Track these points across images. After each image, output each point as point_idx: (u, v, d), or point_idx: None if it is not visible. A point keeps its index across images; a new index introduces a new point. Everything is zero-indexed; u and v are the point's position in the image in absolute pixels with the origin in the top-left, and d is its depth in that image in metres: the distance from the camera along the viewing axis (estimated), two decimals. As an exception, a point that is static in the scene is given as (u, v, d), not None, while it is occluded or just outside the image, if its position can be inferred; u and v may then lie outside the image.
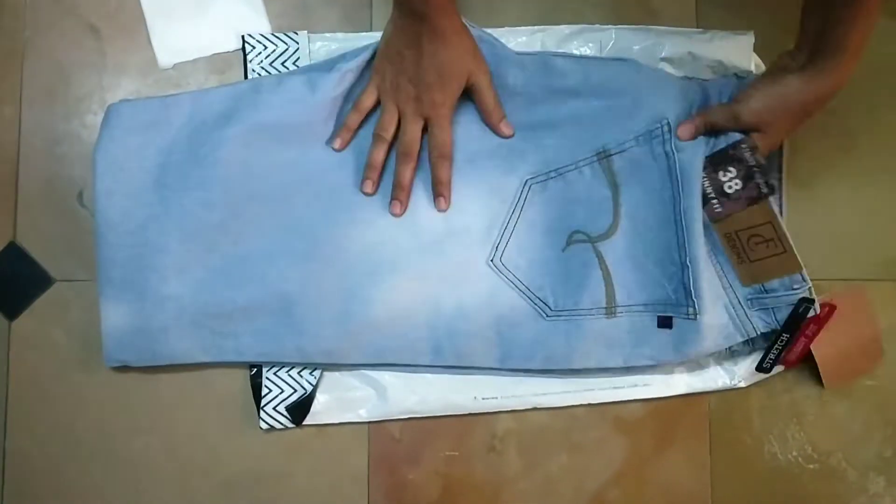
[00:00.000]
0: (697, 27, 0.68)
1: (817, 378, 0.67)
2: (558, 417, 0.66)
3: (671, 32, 0.67)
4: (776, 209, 0.60)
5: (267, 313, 0.63)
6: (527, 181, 0.64)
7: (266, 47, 0.66)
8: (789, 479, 0.67)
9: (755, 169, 0.58)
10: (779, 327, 0.62)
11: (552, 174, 0.64)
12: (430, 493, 0.66)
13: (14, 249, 0.66)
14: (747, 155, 0.58)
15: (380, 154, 0.62)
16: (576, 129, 0.63)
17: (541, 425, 0.67)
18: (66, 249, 0.65)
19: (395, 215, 0.63)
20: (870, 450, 0.68)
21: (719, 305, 0.62)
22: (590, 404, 0.66)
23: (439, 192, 0.63)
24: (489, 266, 0.64)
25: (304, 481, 0.66)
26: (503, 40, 0.64)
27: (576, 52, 0.67)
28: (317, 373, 0.64)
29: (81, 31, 0.67)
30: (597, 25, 0.68)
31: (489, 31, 0.65)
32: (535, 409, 0.66)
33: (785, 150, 0.66)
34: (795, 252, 0.60)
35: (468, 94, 0.62)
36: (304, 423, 0.64)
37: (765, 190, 0.59)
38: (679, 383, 0.66)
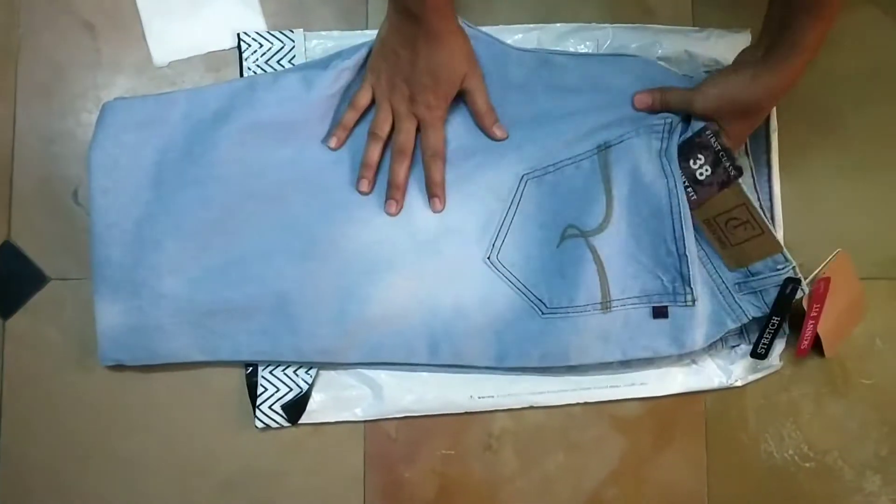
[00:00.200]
0: (694, 26, 0.68)
1: (814, 377, 0.68)
2: (555, 416, 0.66)
3: (668, 31, 0.67)
4: (750, 192, 0.61)
5: (263, 312, 0.62)
6: (523, 176, 0.64)
7: (262, 45, 0.66)
8: (785, 477, 0.67)
9: (721, 153, 0.59)
10: (768, 310, 0.62)
11: (549, 168, 0.64)
12: (427, 492, 0.66)
13: (9, 248, 0.65)
14: (712, 141, 0.59)
15: (375, 152, 0.62)
16: (577, 123, 0.63)
17: (537, 424, 0.66)
18: (61, 248, 0.65)
19: (390, 215, 0.63)
20: (866, 448, 0.68)
21: (706, 292, 0.62)
22: (586, 403, 0.66)
23: (434, 193, 0.63)
24: (486, 264, 0.64)
25: (300, 480, 0.65)
26: (499, 38, 0.64)
27: (572, 50, 0.67)
28: (312, 372, 0.64)
29: (76, 29, 0.67)
30: (593, 24, 0.68)
31: (486, 29, 0.65)
32: (531, 407, 0.66)
33: (776, 147, 0.66)
34: (773, 232, 0.61)
35: (461, 97, 0.62)
36: (300, 422, 0.64)
37: (733, 173, 0.59)
38: (676, 382, 0.66)
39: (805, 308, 0.62)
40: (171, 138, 0.63)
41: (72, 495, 0.65)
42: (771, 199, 0.66)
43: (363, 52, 0.62)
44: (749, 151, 0.65)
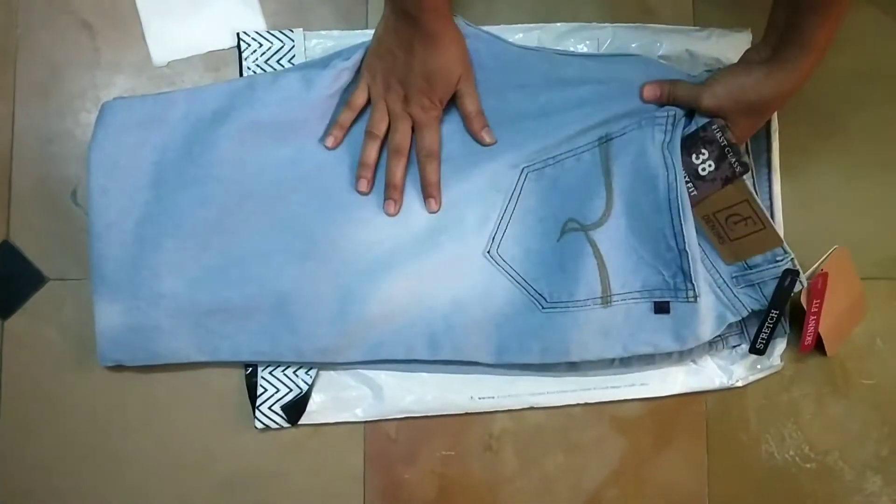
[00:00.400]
0: (694, 25, 0.68)
1: (815, 377, 0.67)
2: (555, 417, 0.66)
3: (668, 30, 0.67)
4: (751, 187, 0.60)
5: (263, 312, 0.62)
6: (523, 169, 0.64)
7: (261, 45, 0.66)
8: (786, 478, 0.67)
9: (727, 149, 0.58)
10: (767, 303, 0.62)
11: (550, 161, 0.64)
12: (427, 492, 0.66)
13: (7, 248, 0.65)
14: (718, 135, 0.58)
15: (372, 152, 0.62)
16: (578, 116, 0.63)
17: (537, 425, 0.66)
18: (60, 248, 0.65)
19: (389, 215, 0.63)
20: (867, 449, 0.68)
21: (705, 286, 0.62)
22: (587, 404, 0.66)
23: (429, 194, 0.63)
24: (485, 258, 0.64)
25: (300, 481, 0.65)
26: (501, 36, 0.64)
27: (572, 49, 0.67)
28: (312, 372, 0.64)
29: (75, 29, 0.67)
30: (594, 24, 0.68)
31: (486, 28, 0.65)
32: (531, 408, 0.66)
33: (777, 147, 0.66)
34: (774, 227, 0.60)
35: (453, 98, 0.62)
36: (300, 422, 0.64)
37: (738, 169, 0.59)
38: (676, 383, 0.66)
39: (804, 305, 0.62)
40: (171, 138, 0.63)
41: (70, 495, 0.65)
42: (771, 200, 0.66)
43: (363, 52, 0.62)
44: (750, 151, 0.65)
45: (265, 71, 0.65)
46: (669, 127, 0.61)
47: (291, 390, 0.64)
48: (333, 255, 0.62)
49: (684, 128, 0.61)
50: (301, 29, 0.66)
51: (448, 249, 0.63)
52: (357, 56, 0.62)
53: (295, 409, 0.64)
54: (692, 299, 0.61)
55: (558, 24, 0.67)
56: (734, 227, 0.61)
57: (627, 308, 0.62)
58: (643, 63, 0.64)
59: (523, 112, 0.64)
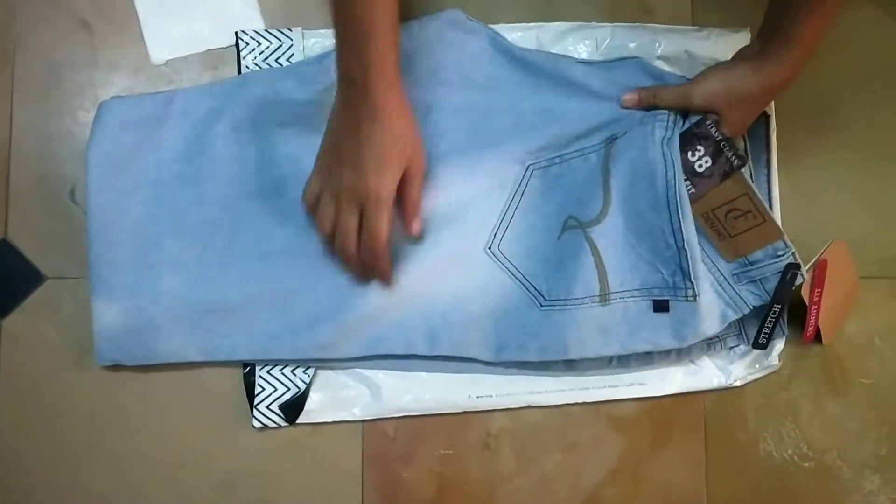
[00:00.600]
0: (693, 25, 0.68)
1: (813, 376, 0.67)
2: (553, 416, 0.66)
3: (667, 30, 0.67)
4: (749, 180, 0.60)
5: (262, 310, 0.62)
6: (529, 166, 0.64)
7: (260, 44, 0.66)
8: (784, 477, 0.67)
9: (723, 143, 0.58)
10: (769, 298, 0.61)
11: (556, 160, 0.64)
12: (425, 491, 0.66)
13: (5, 246, 0.65)
14: (713, 130, 0.58)
15: (346, 253, 0.58)
16: (585, 117, 0.63)
17: (535, 423, 0.66)
18: (58, 246, 0.65)
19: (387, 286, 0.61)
20: (865, 448, 0.68)
21: (706, 284, 0.61)
22: (585, 403, 0.66)
23: (374, 274, 0.60)
24: (486, 253, 0.63)
25: (298, 480, 0.65)
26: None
27: (571, 48, 0.67)
28: (310, 371, 0.64)
29: (73, 27, 0.67)
30: (593, 23, 0.68)
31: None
32: (529, 407, 0.66)
33: (776, 146, 0.66)
34: (774, 220, 0.60)
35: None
36: (298, 421, 0.64)
37: (736, 162, 0.59)
38: (674, 382, 0.66)
39: (804, 297, 0.62)
40: (169, 137, 0.63)
41: (68, 495, 0.64)
42: (770, 198, 0.66)
43: None
44: (748, 149, 0.65)
45: (263, 69, 0.65)
46: (671, 124, 0.61)
47: (289, 389, 0.64)
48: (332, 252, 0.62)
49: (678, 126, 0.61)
50: (300, 28, 0.66)
51: (449, 244, 0.63)
52: None
53: (293, 408, 0.64)
54: (691, 298, 0.60)
55: (557, 24, 0.67)
56: (734, 223, 0.61)
57: (626, 306, 0.62)
58: (644, 67, 0.64)
59: (526, 109, 0.64)
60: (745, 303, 0.62)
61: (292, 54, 0.65)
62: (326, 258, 0.62)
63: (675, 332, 0.62)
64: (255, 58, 0.66)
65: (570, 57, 0.66)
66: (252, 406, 0.64)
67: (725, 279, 0.63)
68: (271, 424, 0.64)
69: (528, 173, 0.64)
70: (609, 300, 0.62)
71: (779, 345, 0.65)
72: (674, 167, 0.60)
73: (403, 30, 0.63)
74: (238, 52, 0.66)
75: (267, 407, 0.64)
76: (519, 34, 0.66)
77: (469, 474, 0.66)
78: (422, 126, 0.62)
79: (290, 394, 0.64)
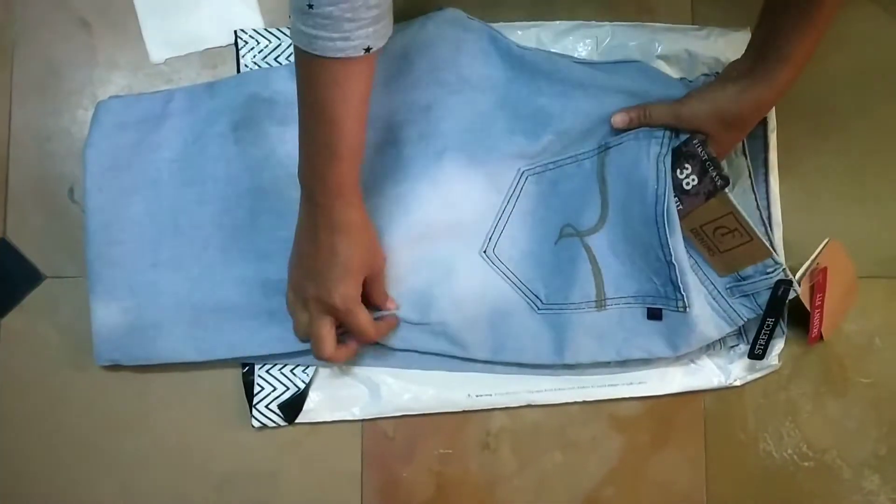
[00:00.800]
0: (693, 24, 0.68)
1: (813, 376, 0.67)
2: (553, 415, 0.66)
3: (667, 29, 0.67)
4: (738, 200, 0.60)
5: (261, 310, 0.62)
6: (523, 172, 0.64)
7: (259, 42, 0.66)
8: (784, 476, 0.67)
9: (708, 163, 0.59)
10: (762, 311, 0.62)
11: (550, 166, 0.64)
12: (424, 490, 0.66)
13: (4, 245, 0.65)
14: (699, 150, 0.58)
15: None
16: (580, 122, 0.63)
17: (535, 423, 0.66)
18: (57, 246, 0.65)
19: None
20: (865, 447, 0.67)
21: (700, 298, 0.62)
22: (584, 402, 0.66)
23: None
24: (482, 257, 0.63)
25: (297, 480, 0.65)
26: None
27: (571, 47, 0.67)
28: (310, 370, 0.64)
29: (72, 26, 0.66)
30: (593, 22, 0.67)
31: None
32: (529, 406, 0.66)
33: (775, 147, 0.66)
34: (762, 238, 0.60)
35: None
36: (297, 421, 0.64)
37: (719, 182, 0.59)
38: (674, 382, 0.66)
39: (804, 302, 0.62)
40: (167, 136, 0.63)
41: (67, 495, 0.64)
42: (769, 199, 0.66)
43: None
44: (747, 151, 0.65)
45: (262, 68, 0.65)
46: (666, 140, 0.61)
47: (288, 389, 0.64)
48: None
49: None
50: (299, 26, 0.66)
51: (445, 247, 0.63)
52: None
53: (292, 407, 0.64)
54: (682, 309, 0.60)
55: (557, 23, 0.67)
56: (723, 239, 0.61)
57: (621, 312, 0.62)
58: (643, 71, 0.64)
59: (523, 111, 0.63)
60: (740, 316, 0.63)
61: (291, 53, 0.65)
62: None
63: (669, 340, 0.62)
64: (255, 57, 0.66)
65: (570, 56, 0.66)
66: (251, 405, 0.64)
67: (719, 292, 0.63)
68: (270, 424, 0.64)
69: (523, 179, 0.64)
70: (605, 306, 0.62)
71: (779, 345, 0.65)
72: (664, 183, 0.59)
73: (403, 29, 0.63)
74: (237, 50, 0.66)
75: (266, 406, 0.64)
76: (519, 33, 0.66)
77: (468, 474, 0.66)
78: (420, 126, 0.63)
79: (290, 393, 0.64)
